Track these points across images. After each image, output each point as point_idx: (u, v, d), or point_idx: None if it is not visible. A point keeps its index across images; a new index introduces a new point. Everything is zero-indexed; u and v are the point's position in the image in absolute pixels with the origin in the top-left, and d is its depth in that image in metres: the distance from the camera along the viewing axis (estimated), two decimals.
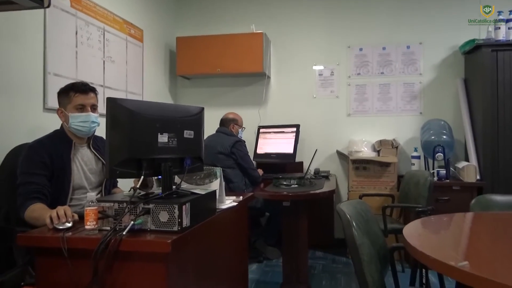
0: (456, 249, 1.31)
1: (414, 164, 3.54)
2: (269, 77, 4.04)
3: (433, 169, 3.39)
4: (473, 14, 3.52)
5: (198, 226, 1.48)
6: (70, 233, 1.37)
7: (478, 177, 3.26)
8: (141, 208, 1.38)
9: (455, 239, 1.45)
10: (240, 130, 3.47)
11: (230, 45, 3.76)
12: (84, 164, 1.92)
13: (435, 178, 3.26)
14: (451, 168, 3.42)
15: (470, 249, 1.33)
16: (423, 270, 2.11)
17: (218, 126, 3.43)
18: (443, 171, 3.30)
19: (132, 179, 1.68)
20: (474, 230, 1.61)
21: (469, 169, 3.24)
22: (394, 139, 3.57)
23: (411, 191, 2.93)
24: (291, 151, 3.63)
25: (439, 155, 3.31)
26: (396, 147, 3.51)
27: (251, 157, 3.45)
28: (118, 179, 2.14)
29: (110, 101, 1.38)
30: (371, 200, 3.11)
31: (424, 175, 2.82)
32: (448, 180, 3.30)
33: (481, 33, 3.51)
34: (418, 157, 3.54)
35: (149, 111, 1.46)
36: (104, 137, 1.42)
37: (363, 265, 1.35)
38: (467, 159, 3.50)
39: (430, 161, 3.48)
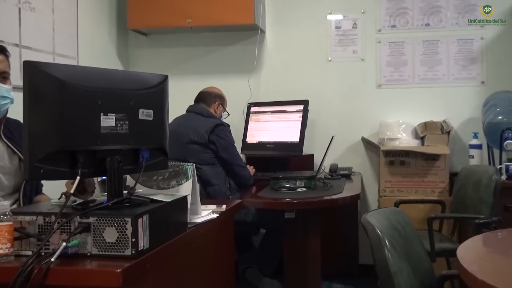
0: None
1: (473, 157, 3.56)
2: (263, 32, 4.02)
3: (500, 164, 3.41)
4: None
5: (162, 248, 1.47)
6: None
7: None
8: (77, 223, 1.36)
9: None
10: (223, 114, 3.46)
11: None
12: None
13: (503, 177, 3.28)
14: None
15: None
16: None
17: (192, 103, 3.41)
18: None
19: (64, 181, 1.67)
20: None
21: None
22: (444, 121, 3.58)
23: (468, 196, 2.95)
24: (296, 139, 3.62)
25: (509, 143, 3.33)
26: (448, 132, 3.52)
27: (239, 149, 3.44)
28: (43, 182, 2.12)
29: (29, 67, 1.36)
30: (412, 208, 3.13)
31: (488, 172, 2.83)
32: None
33: None
34: (479, 147, 3.56)
35: (88, 80, 1.44)
36: (21, 121, 1.39)
37: None
38: None
39: (496, 151, 3.50)
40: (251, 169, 3.42)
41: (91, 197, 1.60)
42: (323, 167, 3.29)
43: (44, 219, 1.40)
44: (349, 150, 3.96)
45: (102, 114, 1.45)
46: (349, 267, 3.76)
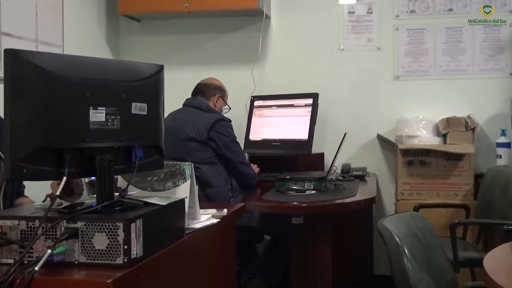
0: None
1: (500, 156, 3.55)
2: (268, 18, 4.01)
3: None
4: None
5: (157, 256, 1.48)
6: None
7: None
8: (63, 228, 1.36)
9: None
10: (223, 108, 3.47)
11: None
12: None
13: None
14: None
15: None
16: None
17: (189, 96, 3.41)
18: None
19: (49, 183, 1.67)
20: None
21: None
22: (469, 117, 3.57)
23: (496, 199, 2.94)
24: (304, 136, 3.62)
25: None
26: (473, 129, 3.51)
27: (241, 146, 3.44)
28: (25, 183, 2.12)
29: (10, 56, 1.36)
30: (432, 213, 3.12)
31: None
32: None
33: None
34: (508, 145, 3.55)
35: (75, 71, 1.44)
36: (2, 115, 1.39)
37: None
38: None
39: None
40: (254, 168, 3.42)
41: (78, 200, 1.60)
42: (334, 167, 3.29)
43: (27, 224, 1.40)
44: (363, 149, 3.96)
45: (91, 108, 1.44)
46: (363, 278, 3.76)
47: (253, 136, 3.85)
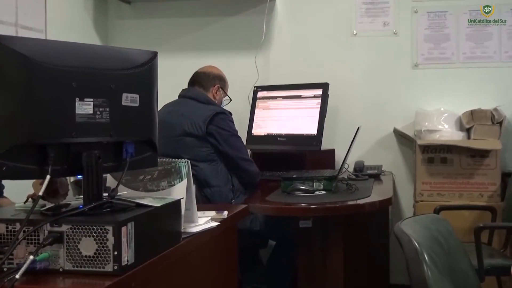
0: None
1: None
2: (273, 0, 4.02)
3: None
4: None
5: (150, 263, 1.48)
6: None
7: None
8: (47, 232, 1.37)
9: None
10: (223, 99, 3.47)
11: None
12: None
13: None
14: None
15: None
16: None
17: (186, 87, 3.42)
18: None
19: (31, 182, 1.67)
20: None
21: None
22: (495, 109, 3.57)
23: None
24: (313, 131, 3.62)
25: None
26: (500, 123, 3.51)
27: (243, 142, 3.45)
28: (4, 182, 2.13)
29: None
30: (455, 216, 3.12)
31: None
32: None
33: None
34: None
35: (59, 58, 1.44)
36: None
37: None
38: None
39: None
40: None
41: (63, 201, 1.60)
42: (346, 165, 3.28)
43: (7, 227, 1.40)
44: (378, 145, 3.96)
45: (77, 99, 1.44)
46: (378, 287, 3.76)
47: (256, 131, 3.86)
